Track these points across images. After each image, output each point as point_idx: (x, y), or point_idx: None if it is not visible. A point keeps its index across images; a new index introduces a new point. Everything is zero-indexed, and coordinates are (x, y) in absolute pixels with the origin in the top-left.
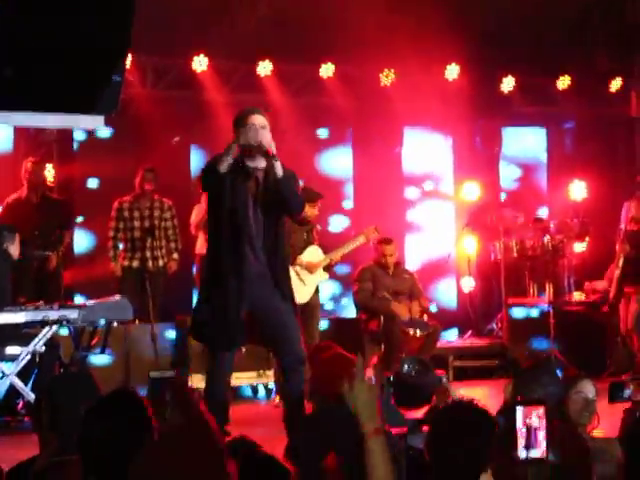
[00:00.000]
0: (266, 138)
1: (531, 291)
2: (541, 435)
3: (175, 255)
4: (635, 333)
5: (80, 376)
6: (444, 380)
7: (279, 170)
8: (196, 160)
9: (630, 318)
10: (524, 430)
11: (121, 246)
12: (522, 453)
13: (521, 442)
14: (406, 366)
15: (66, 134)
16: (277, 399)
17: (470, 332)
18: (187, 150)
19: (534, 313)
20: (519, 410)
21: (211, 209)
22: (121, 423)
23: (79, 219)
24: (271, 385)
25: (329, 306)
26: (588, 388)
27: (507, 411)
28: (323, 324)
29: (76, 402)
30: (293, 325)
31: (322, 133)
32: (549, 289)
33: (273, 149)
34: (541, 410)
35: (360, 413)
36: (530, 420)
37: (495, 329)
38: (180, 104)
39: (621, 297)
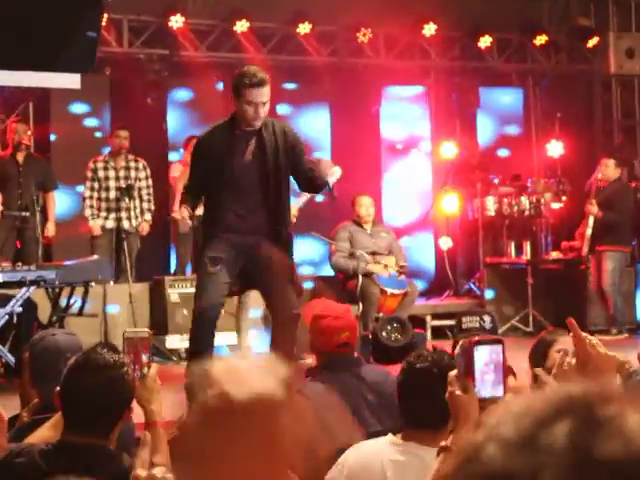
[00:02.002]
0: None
1: (509, 250)
2: (499, 374)
3: (148, 216)
4: (609, 291)
5: (62, 334)
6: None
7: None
8: (173, 119)
9: (604, 277)
10: (481, 369)
11: (94, 203)
12: (480, 392)
13: (479, 382)
14: (385, 330)
15: (43, 93)
16: None
17: (448, 292)
18: (163, 109)
19: (512, 272)
20: (477, 349)
21: (209, 173)
22: (103, 377)
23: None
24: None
25: (309, 266)
26: (568, 343)
27: (465, 351)
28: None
29: (58, 359)
30: (286, 282)
31: (299, 91)
32: (527, 248)
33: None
34: (499, 348)
35: None
36: (488, 359)
37: (473, 289)
38: (156, 63)
39: (593, 255)
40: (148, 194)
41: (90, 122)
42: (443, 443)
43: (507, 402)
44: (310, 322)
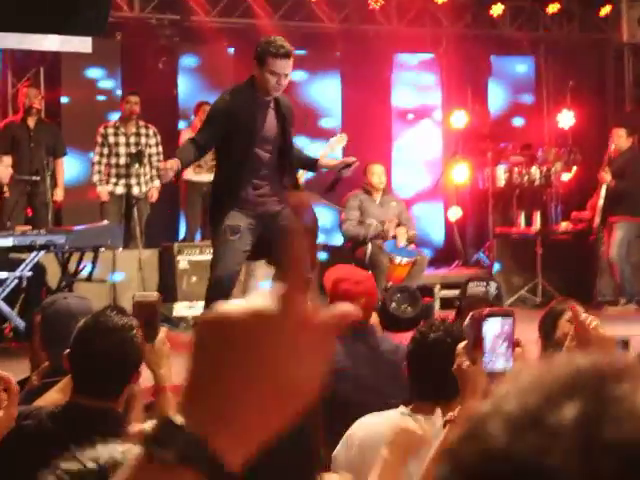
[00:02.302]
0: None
1: (519, 220)
2: (508, 347)
3: (157, 183)
4: (615, 261)
5: (74, 297)
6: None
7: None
8: (183, 85)
9: (611, 246)
10: (491, 342)
11: (103, 169)
12: (488, 365)
13: (487, 354)
14: (395, 299)
15: (54, 58)
16: None
17: (457, 262)
18: (174, 75)
19: (521, 242)
20: (487, 321)
21: (228, 136)
22: (112, 340)
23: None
24: None
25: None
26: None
27: (475, 322)
28: None
29: (70, 323)
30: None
31: (311, 58)
32: (537, 218)
33: None
34: (509, 321)
35: None
36: (498, 332)
37: (482, 259)
38: (167, 28)
39: (605, 226)
40: (158, 160)
41: (101, 87)
42: (449, 415)
43: (514, 375)
44: (330, 285)
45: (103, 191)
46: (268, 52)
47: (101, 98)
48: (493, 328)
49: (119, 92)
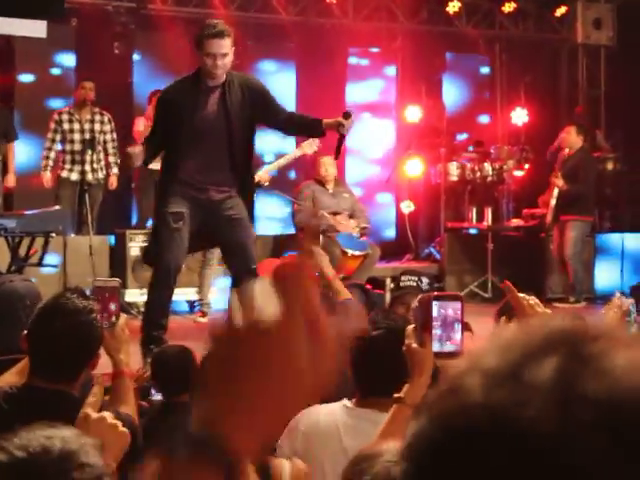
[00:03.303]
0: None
1: (470, 216)
2: (456, 329)
3: (115, 170)
4: (570, 260)
5: (20, 280)
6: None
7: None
8: (138, 73)
9: (567, 245)
10: (439, 324)
11: (52, 155)
12: (436, 346)
13: (436, 336)
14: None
15: (7, 42)
16: (198, 315)
17: (408, 255)
18: (129, 63)
19: (472, 238)
20: (435, 304)
21: (170, 125)
22: (72, 322)
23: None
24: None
25: (272, 223)
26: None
27: (424, 305)
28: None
29: (17, 305)
30: (248, 237)
31: (266, 50)
32: (488, 214)
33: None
34: (458, 305)
35: None
36: (446, 315)
37: (433, 253)
38: (124, 15)
39: (556, 224)
40: (114, 147)
41: (55, 73)
42: (397, 395)
43: (494, 335)
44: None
45: (46, 177)
46: (202, 35)
47: (55, 83)
48: (441, 311)
49: (73, 78)
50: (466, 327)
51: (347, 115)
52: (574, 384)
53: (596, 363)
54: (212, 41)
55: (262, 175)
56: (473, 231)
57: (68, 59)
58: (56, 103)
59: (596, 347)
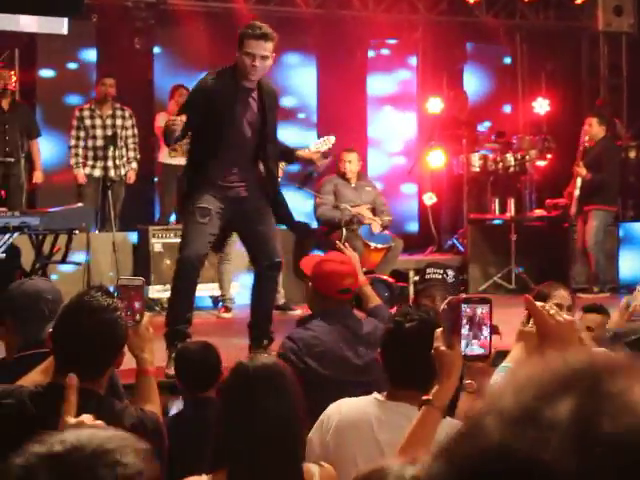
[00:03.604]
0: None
1: (493, 207)
2: (485, 332)
3: (134, 165)
4: (592, 250)
5: (40, 279)
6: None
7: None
8: (159, 68)
9: (588, 234)
10: (467, 327)
11: (80, 152)
12: (465, 350)
13: (464, 338)
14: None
15: (29, 39)
16: (222, 310)
17: (431, 247)
18: (150, 58)
19: (495, 229)
20: (464, 307)
21: (206, 119)
22: (96, 320)
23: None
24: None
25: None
26: (564, 296)
27: (452, 308)
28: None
29: (38, 301)
30: (271, 232)
31: (286, 43)
32: (511, 205)
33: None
34: (486, 308)
35: None
36: (474, 317)
37: (456, 245)
38: (144, 10)
39: (579, 214)
40: (134, 143)
41: (76, 69)
42: (424, 397)
43: (510, 373)
44: (313, 266)
45: (79, 174)
46: (245, 34)
47: (76, 80)
48: (470, 313)
49: (94, 74)
50: (494, 330)
51: (325, 155)
52: (592, 423)
53: (615, 401)
54: (255, 42)
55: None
56: (496, 222)
57: (89, 55)
58: (77, 99)
59: (614, 385)
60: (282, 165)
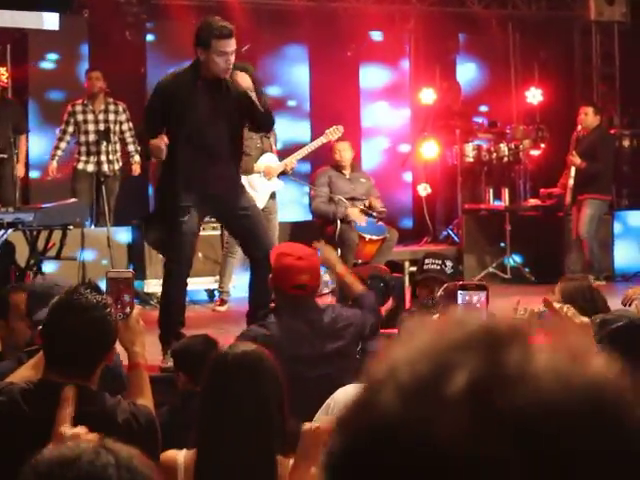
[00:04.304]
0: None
1: (487, 197)
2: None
3: (137, 157)
4: (585, 238)
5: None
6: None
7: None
8: (151, 63)
9: (581, 224)
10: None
11: (62, 146)
12: None
13: None
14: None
15: (20, 35)
16: (217, 304)
17: (426, 238)
18: (142, 52)
19: (490, 219)
20: (460, 294)
21: (170, 120)
22: (86, 318)
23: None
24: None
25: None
26: None
27: (449, 294)
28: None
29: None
30: (259, 223)
31: (278, 35)
32: (505, 195)
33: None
34: (483, 294)
35: None
36: (470, 304)
37: (451, 235)
38: (135, 5)
39: (574, 203)
40: (132, 136)
41: (68, 64)
42: None
43: (407, 339)
44: (273, 259)
45: (52, 167)
46: (212, 35)
47: (68, 75)
48: (466, 300)
49: (86, 69)
50: (491, 318)
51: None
52: (487, 397)
53: (509, 373)
54: (223, 41)
55: (289, 162)
56: (491, 212)
57: (81, 50)
58: (70, 95)
59: (509, 355)
60: (292, 163)
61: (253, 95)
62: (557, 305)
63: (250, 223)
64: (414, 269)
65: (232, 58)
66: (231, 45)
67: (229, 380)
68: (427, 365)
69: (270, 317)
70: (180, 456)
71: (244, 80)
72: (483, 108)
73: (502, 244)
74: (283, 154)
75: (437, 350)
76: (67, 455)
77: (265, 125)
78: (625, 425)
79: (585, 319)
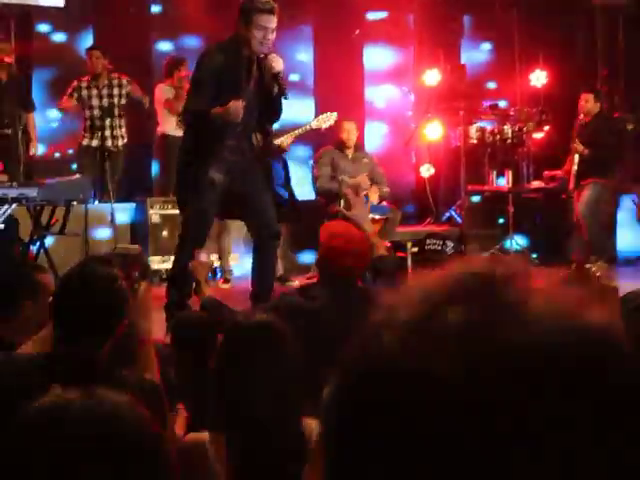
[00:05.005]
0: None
1: (490, 178)
2: None
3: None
4: (585, 219)
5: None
6: None
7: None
8: (158, 32)
9: (582, 205)
10: None
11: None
12: None
13: None
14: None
15: (24, 11)
16: (221, 281)
17: (429, 219)
18: (147, 27)
19: (493, 201)
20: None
21: (219, 93)
22: (96, 290)
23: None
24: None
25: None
26: None
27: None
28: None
29: None
30: (269, 202)
31: (282, 15)
32: (508, 177)
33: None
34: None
35: None
36: None
37: (454, 216)
38: None
39: (578, 189)
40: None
41: (73, 41)
42: None
43: (404, 286)
44: (324, 237)
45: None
46: (254, 8)
47: (73, 52)
48: None
49: (86, 48)
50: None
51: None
52: (480, 335)
53: (504, 312)
54: (266, 16)
55: (285, 140)
56: (494, 194)
57: (86, 27)
58: (74, 71)
59: (505, 295)
60: (285, 144)
61: (282, 81)
62: (587, 265)
63: (263, 201)
64: (417, 250)
65: (271, 36)
66: (272, 21)
67: (247, 351)
68: (422, 305)
69: (312, 290)
70: (205, 436)
71: (278, 64)
72: (487, 90)
73: (504, 226)
74: (282, 134)
75: (432, 292)
76: (58, 403)
77: (276, 117)
78: (609, 377)
79: (615, 284)
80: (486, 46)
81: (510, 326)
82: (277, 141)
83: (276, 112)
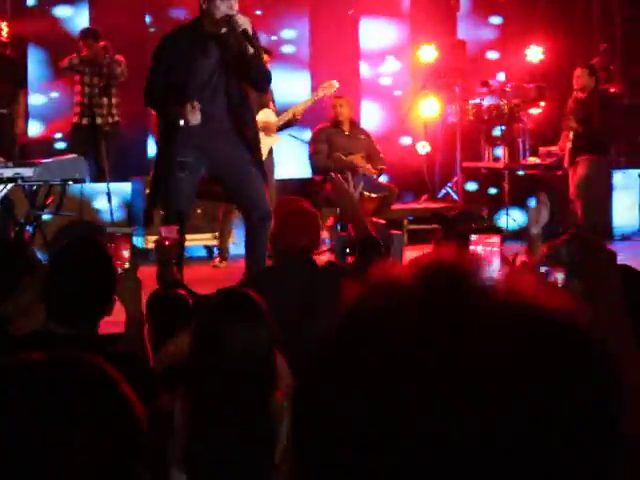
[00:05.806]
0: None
1: (486, 155)
2: (494, 264)
3: None
4: (579, 196)
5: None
6: None
7: (249, 50)
8: (152, 9)
9: (576, 181)
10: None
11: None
12: None
13: None
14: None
15: None
16: (217, 260)
17: (425, 196)
18: (142, 8)
19: (489, 177)
20: (474, 237)
21: (174, 74)
22: (86, 269)
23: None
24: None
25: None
26: None
27: (461, 239)
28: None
29: None
30: (259, 181)
31: None
32: (504, 153)
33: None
34: (496, 239)
35: None
36: (484, 249)
37: (450, 193)
38: None
39: (573, 166)
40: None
41: (68, 21)
42: None
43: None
44: (277, 219)
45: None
46: None
47: (68, 33)
48: (479, 243)
49: (88, 21)
50: (506, 261)
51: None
52: (441, 302)
53: (469, 287)
54: None
55: (297, 112)
56: (490, 170)
57: (81, 7)
58: (69, 49)
59: (474, 275)
60: (299, 113)
61: (253, 39)
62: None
63: (249, 182)
64: (413, 227)
65: (236, 6)
66: None
67: (221, 322)
68: (400, 277)
69: (265, 275)
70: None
71: (244, 22)
72: (483, 66)
73: (500, 202)
74: (280, 108)
75: (403, 282)
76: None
77: (260, 78)
78: (564, 357)
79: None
80: (482, 21)
81: (468, 297)
82: (289, 111)
83: (261, 72)
